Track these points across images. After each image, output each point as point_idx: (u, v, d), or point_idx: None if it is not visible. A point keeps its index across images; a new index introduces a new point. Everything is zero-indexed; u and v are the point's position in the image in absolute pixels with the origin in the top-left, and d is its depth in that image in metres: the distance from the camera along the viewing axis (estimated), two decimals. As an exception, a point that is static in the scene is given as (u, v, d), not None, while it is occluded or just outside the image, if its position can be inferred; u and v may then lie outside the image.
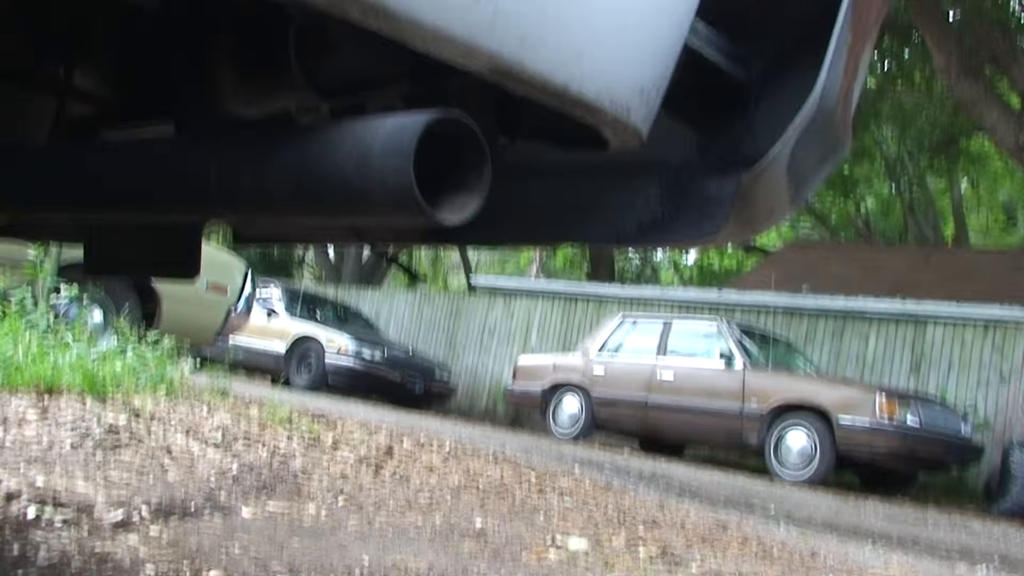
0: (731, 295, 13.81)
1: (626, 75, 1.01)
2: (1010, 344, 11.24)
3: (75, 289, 5.76)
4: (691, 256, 28.87)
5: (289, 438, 4.26)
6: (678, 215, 1.28)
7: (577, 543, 3.18)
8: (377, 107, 1.27)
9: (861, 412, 8.74)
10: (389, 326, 15.80)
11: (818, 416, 8.97)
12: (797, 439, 9.08)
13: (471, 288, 17.51)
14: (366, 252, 23.34)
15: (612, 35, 0.98)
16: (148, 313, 6.44)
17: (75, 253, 5.39)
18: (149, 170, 1.25)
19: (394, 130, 0.92)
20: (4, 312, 4.92)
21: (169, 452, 3.44)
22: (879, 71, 17.15)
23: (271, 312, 13.03)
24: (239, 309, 7.04)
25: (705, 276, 27.38)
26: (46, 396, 3.82)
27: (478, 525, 3.25)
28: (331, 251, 24.40)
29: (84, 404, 3.77)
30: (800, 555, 3.75)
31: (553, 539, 3.21)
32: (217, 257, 6.94)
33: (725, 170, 1.21)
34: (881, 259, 17.74)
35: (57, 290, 5.68)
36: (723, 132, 1.26)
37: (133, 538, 2.34)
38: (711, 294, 14.17)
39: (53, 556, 2.09)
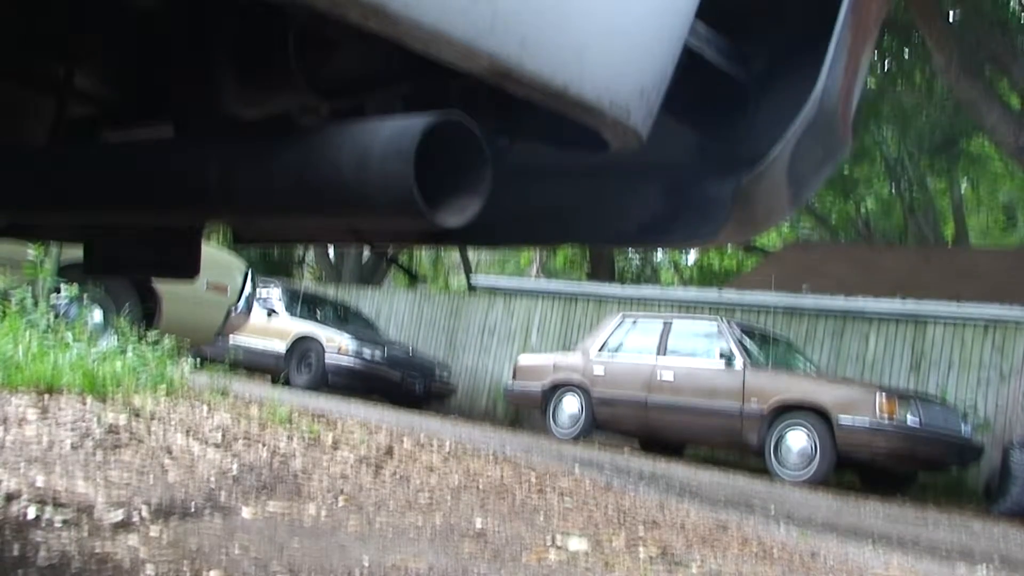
0: (731, 295, 13.81)
1: (626, 76, 1.00)
2: (1010, 344, 11.24)
3: (75, 289, 5.76)
4: (691, 256, 28.87)
5: (289, 438, 4.26)
6: (678, 216, 1.28)
7: (577, 543, 3.18)
8: (377, 108, 1.27)
9: (861, 412, 8.74)
10: (389, 326, 15.81)
11: (818, 416, 8.97)
12: (797, 439, 9.08)
13: (471, 288, 17.51)
14: (366, 252, 23.34)
15: (612, 36, 0.98)
16: (148, 313, 6.44)
17: (75, 253, 5.39)
18: (149, 171, 1.25)
19: (394, 133, 0.92)
20: (4, 312, 4.91)
21: (169, 452, 3.44)
22: (879, 71, 17.15)
23: (271, 312, 13.03)
24: (239, 309, 7.04)
25: (705, 276, 27.38)
26: (46, 396, 3.82)
27: (478, 525, 3.25)
28: (331, 251, 24.39)
29: (84, 404, 3.77)
30: (800, 555, 3.75)
31: (553, 539, 3.21)
32: (217, 257, 6.94)
33: (725, 171, 1.21)
34: (881, 259, 17.74)
35: (57, 290, 5.68)
36: (723, 133, 1.26)
37: (133, 538, 2.34)
38: (711, 294, 14.17)
39: (53, 556, 2.09)
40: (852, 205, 24.17)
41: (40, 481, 2.69)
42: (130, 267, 2.02)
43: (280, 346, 12.79)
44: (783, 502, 6.47)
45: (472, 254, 26.22)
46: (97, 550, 2.19)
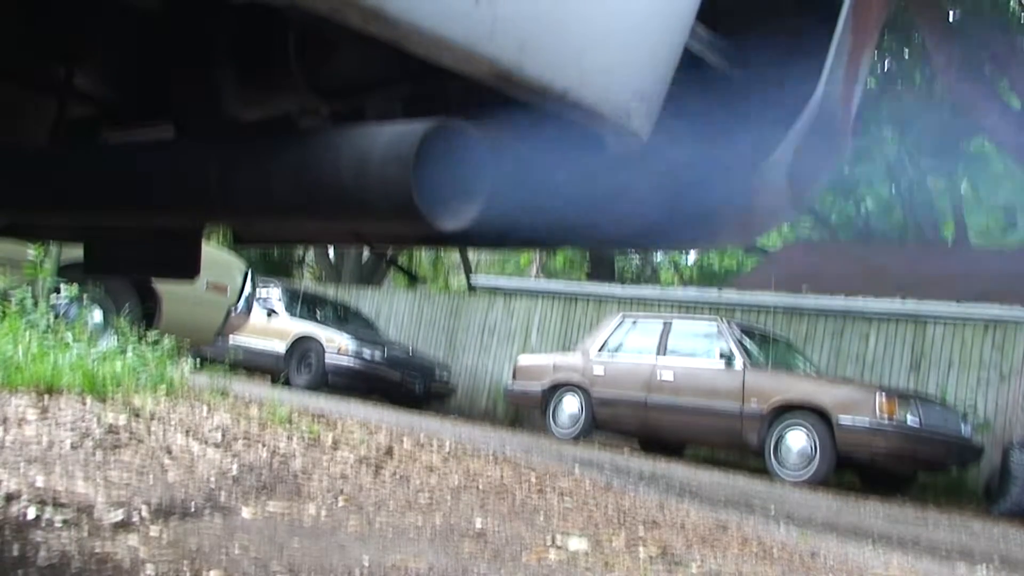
0: (731, 295, 13.80)
1: (626, 80, 1.01)
2: (1010, 343, 11.24)
3: (75, 289, 5.76)
4: (691, 256, 28.87)
5: (289, 438, 4.26)
6: (678, 217, 1.28)
7: (577, 543, 3.18)
8: (377, 109, 1.27)
9: (861, 412, 8.74)
10: (389, 326, 15.80)
11: (818, 416, 8.97)
12: (797, 439, 9.08)
13: (471, 288, 17.51)
14: (366, 253, 23.34)
15: (612, 40, 0.98)
16: (148, 313, 6.44)
17: (75, 253, 5.39)
18: (149, 172, 1.25)
19: (394, 137, 0.92)
20: (4, 312, 4.91)
21: (169, 452, 3.44)
22: (879, 71, 17.15)
23: (271, 312, 13.03)
24: (239, 309, 7.04)
25: (705, 276, 27.38)
26: (46, 396, 3.82)
27: (478, 525, 3.25)
28: (331, 251, 24.39)
29: (84, 404, 3.77)
30: (800, 555, 3.75)
31: (553, 539, 3.21)
32: (217, 257, 6.94)
33: (726, 173, 1.21)
34: (881, 259, 17.73)
35: (57, 290, 5.68)
36: (724, 135, 1.26)
37: (133, 538, 2.34)
38: (711, 294, 14.17)
39: (53, 556, 2.09)
40: (852, 205, 24.17)
41: (40, 481, 2.69)
42: (130, 267, 2.03)
43: (280, 346, 12.79)
44: (783, 502, 6.47)
45: (472, 254, 26.22)
46: (97, 550, 2.19)
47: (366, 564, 2.43)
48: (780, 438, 9.19)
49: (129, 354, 4.85)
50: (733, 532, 4.09)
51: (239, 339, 11.27)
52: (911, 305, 12.02)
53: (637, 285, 20.29)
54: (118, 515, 2.49)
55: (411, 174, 0.89)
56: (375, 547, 2.66)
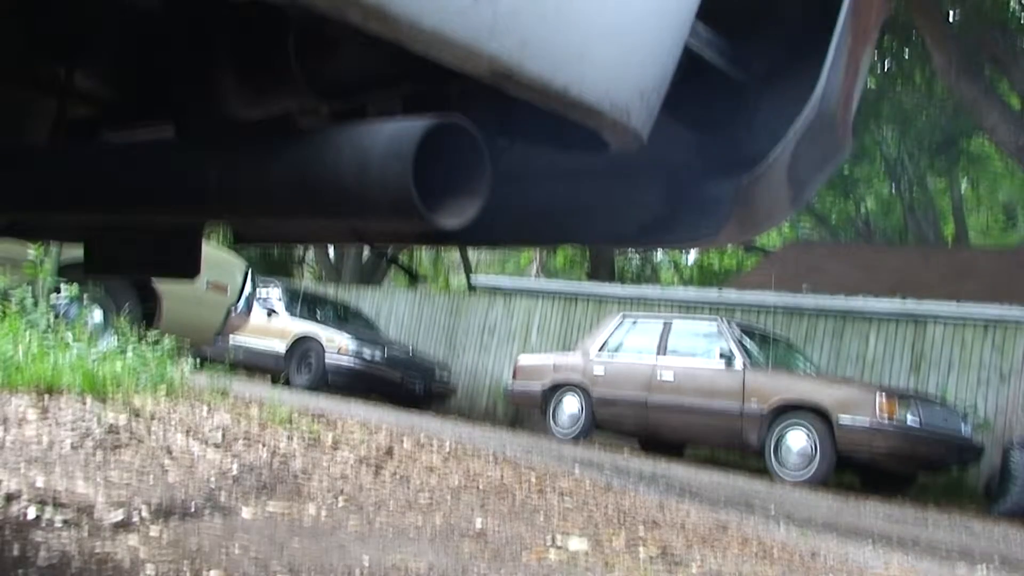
0: (731, 295, 13.81)
1: (626, 78, 1.00)
2: (1010, 344, 11.24)
3: (75, 289, 5.76)
4: (691, 256, 28.88)
5: (289, 438, 4.26)
6: (678, 216, 1.28)
7: (577, 543, 3.18)
8: (377, 109, 1.27)
9: (861, 412, 8.74)
10: (389, 326, 15.81)
11: (818, 416, 8.97)
12: (797, 439, 9.08)
13: (471, 287, 17.52)
14: (366, 252, 23.35)
15: (612, 38, 0.98)
16: (148, 313, 6.44)
17: (75, 253, 5.39)
18: (149, 172, 1.25)
19: (394, 135, 0.92)
20: (4, 312, 4.91)
21: (169, 452, 3.44)
22: (879, 71, 17.17)
23: (271, 312, 13.03)
24: (239, 309, 7.04)
25: (705, 276, 27.39)
26: (46, 396, 3.82)
27: (478, 525, 3.25)
28: (331, 251, 24.40)
29: (84, 404, 3.77)
30: (800, 555, 3.75)
31: (553, 539, 3.21)
32: (217, 256, 6.93)
33: (725, 171, 1.21)
34: (881, 259, 17.74)
35: (57, 290, 5.68)
36: (723, 134, 1.26)
37: (133, 538, 2.34)
38: (711, 294, 14.17)
39: (53, 556, 2.09)
40: (852, 205, 24.20)
41: (40, 481, 2.69)
42: (130, 267, 2.03)
43: (280, 346, 12.78)
44: (783, 502, 6.47)
45: (472, 254, 26.23)
46: (97, 550, 2.19)
47: (366, 564, 2.43)
48: (780, 438, 9.19)
49: (129, 354, 4.85)
50: (733, 532, 4.09)
51: (239, 339, 11.27)
52: (911, 305, 12.03)
53: (637, 285, 20.29)
54: (118, 515, 2.49)
55: (411, 171, 0.89)
56: (375, 547, 2.66)
